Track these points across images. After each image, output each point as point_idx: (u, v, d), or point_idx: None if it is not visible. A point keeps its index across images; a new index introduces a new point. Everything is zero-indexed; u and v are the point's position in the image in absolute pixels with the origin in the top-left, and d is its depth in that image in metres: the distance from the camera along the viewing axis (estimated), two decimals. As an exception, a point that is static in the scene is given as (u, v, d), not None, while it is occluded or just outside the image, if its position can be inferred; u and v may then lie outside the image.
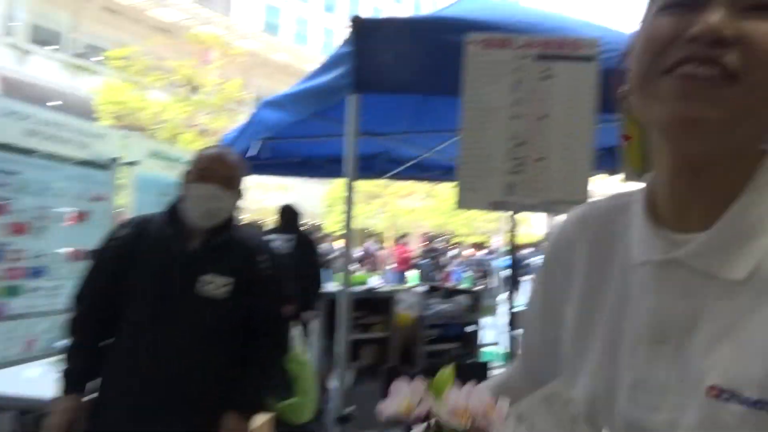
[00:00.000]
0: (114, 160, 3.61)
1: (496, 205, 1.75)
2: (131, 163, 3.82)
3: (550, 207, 1.71)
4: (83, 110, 12.48)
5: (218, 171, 1.76)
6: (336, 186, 20.65)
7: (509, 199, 1.74)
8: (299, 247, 4.42)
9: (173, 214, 1.79)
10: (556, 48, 1.79)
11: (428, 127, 4.24)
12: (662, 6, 0.54)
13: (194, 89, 16.00)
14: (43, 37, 18.47)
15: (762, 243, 0.53)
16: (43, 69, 17.43)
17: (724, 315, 0.52)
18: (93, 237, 2.17)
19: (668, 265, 0.57)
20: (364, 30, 2.30)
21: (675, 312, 0.55)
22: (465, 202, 1.79)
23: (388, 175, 4.94)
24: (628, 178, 2.36)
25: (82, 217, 3.37)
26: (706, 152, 0.53)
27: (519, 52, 1.80)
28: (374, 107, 2.58)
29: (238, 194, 1.83)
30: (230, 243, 1.79)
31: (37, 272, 3.05)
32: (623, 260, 0.63)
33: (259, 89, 22.80)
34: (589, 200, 0.79)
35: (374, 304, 4.21)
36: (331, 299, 4.30)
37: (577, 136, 1.72)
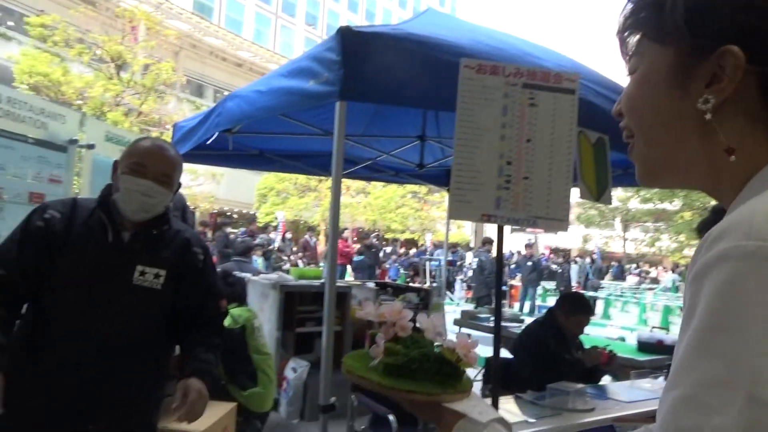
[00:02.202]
0: (72, 141, 3.50)
1: (486, 218, 1.95)
2: (88, 146, 3.71)
3: (533, 222, 1.93)
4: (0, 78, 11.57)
5: (155, 167, 1.72)
6: (267, 177, 20.32)
7: (497, 212, 1.95)
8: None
9: (105, 202, 1.74)
10: (540, 79, 2.01)
11: (383, 132, 4.43)
12: None
13: (121, 66, 15.16)
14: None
15: None
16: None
17: None
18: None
19: None
20: (352, 41, 2.41)
21: None
22: (457, 212, 1.97)
23: (344, 173, 5.10)
24: (583, 196, 2.64)
25: (37, 198, 3.26)
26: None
27: (508, 80, 2.01)
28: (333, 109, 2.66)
29: (173, 190, 1.80)
30: (164, 235, 1.79)
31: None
32: None
33: (188, 72, 21.87)
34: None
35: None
36: (288, 292, 4.39)
37: (558, 159, 1.95)
